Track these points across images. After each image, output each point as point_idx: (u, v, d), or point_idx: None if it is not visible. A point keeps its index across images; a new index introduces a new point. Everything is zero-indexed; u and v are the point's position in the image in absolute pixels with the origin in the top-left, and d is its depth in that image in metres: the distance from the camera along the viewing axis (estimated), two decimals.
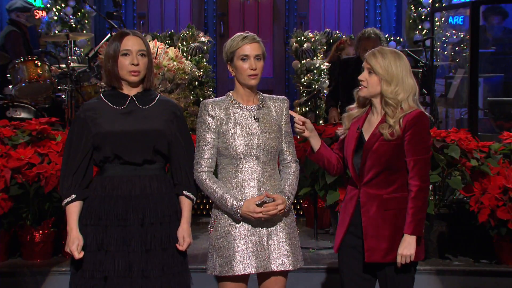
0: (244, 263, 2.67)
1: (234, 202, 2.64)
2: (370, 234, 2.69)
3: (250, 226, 2.70)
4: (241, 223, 2.69)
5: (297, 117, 2.76)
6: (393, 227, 2.68)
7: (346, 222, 2.78)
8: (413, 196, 2.65)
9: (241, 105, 2.75)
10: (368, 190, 2.72)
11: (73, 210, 2.63)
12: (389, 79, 2.67)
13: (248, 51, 2.70)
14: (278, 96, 2.86)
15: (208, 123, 2.72)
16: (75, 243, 2.58)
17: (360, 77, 2.74)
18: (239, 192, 2.69)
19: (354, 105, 2.86)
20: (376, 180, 2.70)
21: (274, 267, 2.70)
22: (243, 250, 2.67)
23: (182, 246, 2.66)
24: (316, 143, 2.83)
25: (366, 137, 2.74)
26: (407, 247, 2.64)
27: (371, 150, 2.69)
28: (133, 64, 2.63)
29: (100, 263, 2.59)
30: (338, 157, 2.87)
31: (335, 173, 2.93)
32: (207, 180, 2.70)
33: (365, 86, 2.73)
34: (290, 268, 2.73)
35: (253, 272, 2.68)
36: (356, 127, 2.78)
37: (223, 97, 2.80)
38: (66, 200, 2.63)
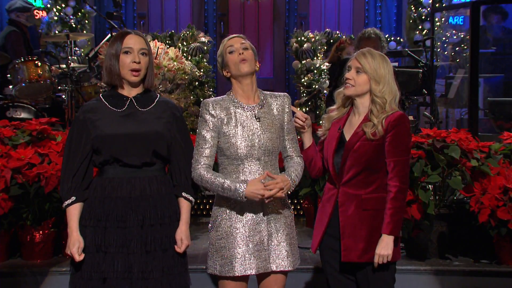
0: (245, 263, 2.67)
1: (237, 185, 2.62)
2: (347, 234, 2.71)
3: (251, 227, 2.70)
4: (242, 224, 2.70)
5: (299, 113, 2.77)
6: (370, 227, 2.70)
7: (324, 223, 2.80)
8: (392, 196, 2.67)
9: (242, 104, 2.75)
10: (347, 189, 2.73)
11: (74, 212, 2.63)
12: (377, 79, 2.71)
13: (233, 42, 2.77)
14: (279, 93, 2.86)
15: (209, 122, 2.72)
16: (75, 245, 2.58)
17: (347, 76, 2.76)
18: None
19: (334, 106, 2.88)
20: (355, 180, 2.72)
21: (274, 267, 2.70)
22: (244, 251, 2.67)
23: (180, 248, 2.66)
24: (308, 141, 2.86)
25: (347, 137, 2.76)
26: (385, 247, 2.66)
27: (352, 150, 2.71)
28: (134, 62, 2.63)
29: (98, 264, 2.58)
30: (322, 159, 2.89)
31: (316, 175, 2.94)
32: (205, 174, 2.68)
33: (352, 85, 2.75)
34: (290, 268, 2.74)
35: (253, 273, 2.68)
36: (337, 128, 2.81)
37: (223, 96, 2.81)
38: (66, 203, 2.63)
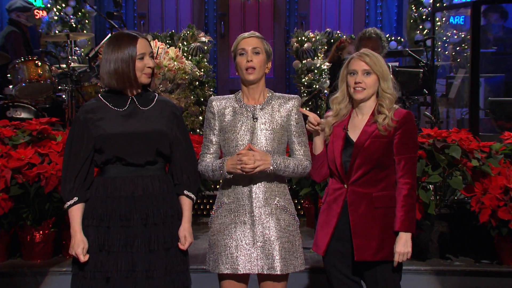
0: (231, 262, 2.68)
1: (219, 161, 2.70)
2: (359, 233, 2.70)
3: (238, 227, 2.70)
4: (230, 222, 2.70)
5: (312, 117, 2.75)
6: (382, 226, 2.70)
7: (332, 224, 2.77)
8: (405, 193, 2.67)
9: (244, 103, 2.76)
10: (356, 188, 2.73)
11: (76, 213, 2.62)
12: (385, 76, 2.75)
13: (244, 45, 2.73)
14: (289, 95, 2.82)
15: (210, 120, 2.79)
16: (80, 246, 2.57)
17: (357, 80, 2.75)
18: (232, 189, 2.72)
19: (331, 113, 2.88)
20: (364, 178, 2.71)
21: (259, 270, 2.67)
22: (231, 250, 2.68)
23: (183, 245, 2.66)
24: (320, 144, 2.84)
25: (353, 137, 2.76)
26: (405, 244, 2.66)
27: (363, 148, 2.71)
28: (149, 66, 2.64)
29: (101, 264, 2.58)
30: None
31: (321, 179, 2.92)
32: (202, 163, 2.76)
33: (363, 88, 2.75)
34: (277, 272, 2.67)
35: (237, 272, 2.68)
36: (342, 127, 2.80)
37: (231, 95, 2.82)
38: (68, 203, 2.62)
